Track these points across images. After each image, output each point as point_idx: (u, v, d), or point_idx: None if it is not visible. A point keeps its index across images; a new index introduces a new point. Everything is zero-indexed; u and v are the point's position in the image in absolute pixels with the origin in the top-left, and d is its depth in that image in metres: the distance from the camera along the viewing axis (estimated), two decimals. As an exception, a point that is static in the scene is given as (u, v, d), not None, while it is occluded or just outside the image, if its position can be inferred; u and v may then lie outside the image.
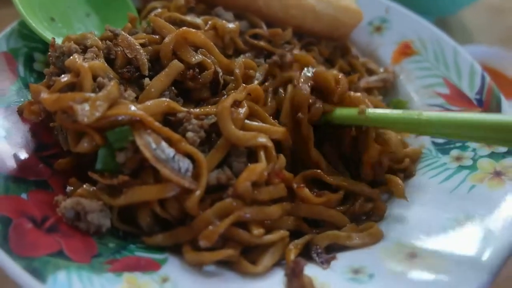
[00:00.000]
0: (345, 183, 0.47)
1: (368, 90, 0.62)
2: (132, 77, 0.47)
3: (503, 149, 0.50)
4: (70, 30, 0.58)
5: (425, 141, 0.55)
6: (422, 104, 0.60)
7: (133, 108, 0.40)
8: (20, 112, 0.48)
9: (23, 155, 0.44)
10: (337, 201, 0.47)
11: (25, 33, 0.55)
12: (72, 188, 0.43)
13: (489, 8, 1.01)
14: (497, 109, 0.54)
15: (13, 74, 0.51)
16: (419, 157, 0.53)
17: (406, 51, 0.67)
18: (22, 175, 0.42)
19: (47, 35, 0.54)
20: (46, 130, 0.47)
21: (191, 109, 0.44)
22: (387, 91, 0.65)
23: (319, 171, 0.47)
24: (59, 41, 0.53)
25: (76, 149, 0.40)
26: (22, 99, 0.49)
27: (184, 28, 0.49)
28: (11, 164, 0.42)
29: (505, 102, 0.55)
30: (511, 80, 0.80)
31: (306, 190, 0.45)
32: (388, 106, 0.63)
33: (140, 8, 0.66)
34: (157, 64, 0.49)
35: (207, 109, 0.45)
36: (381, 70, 0.66)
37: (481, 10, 0.98)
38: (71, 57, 0.42)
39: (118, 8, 0.62)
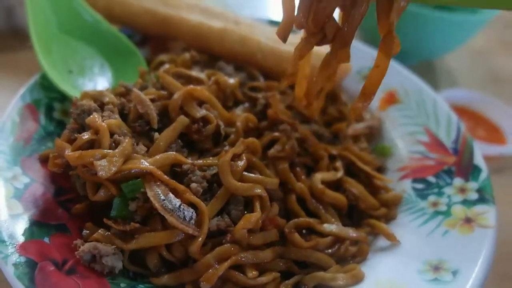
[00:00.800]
0: (334, 231, 0.52)
1: (356, 137, 0.68)
2: (143, 130, 0.53)
3: (474, 196, 0.55)
4: (86, 80, 0.64)
5: (406, 186, 0.61)
6: (406, 151, 0.66)
7: (144, 163, 0.45)
8: (41, 159, 0.54)
9: (45, 201, 0.49)
10: (325, 245, 0.52)
11: (46, 84, 0.61)
12: (88, 231, 0.48)
13: (471, 51, 1.08)
14: (470, 158, 0.60)
15: (35, 124, 0.57)
16: (400, 202, 0.59)
17: (391, 99, 0.73)
18: (44, 219, 0.47)
19: (66, 87, 0.61)
20: (64, 177, 0.52)
21: (195, 161, 0.50)
22: (373, 136, 0.71)
23: (310, 220, 0.53)
24: (77, 93, 0.59)
25: (94, 198, 0.46)
26: (43, 147, 0.55)
27: (191, 86, 0.55)
28: (35, 209, 0.48)
29: (478, 152, 0.60)
30: (491, 124, 0.86)
31: (296, 235, 0.51)
32: (374, 151, 0.69)
33: (149, 59, 0.73)
34: (165, 117, 0.55)
35: (209, 161, 0.50)
36: (368, 116, 0.73)
37: (464, 53, 1.05)
38: (91, 116, 0.48)
39: (129, 59, 0.68)
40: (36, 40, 0.62)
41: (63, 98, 0.62)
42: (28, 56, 0.64)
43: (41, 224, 0.47)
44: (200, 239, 0.45)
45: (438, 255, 0.50)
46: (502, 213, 0.54)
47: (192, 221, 0.46)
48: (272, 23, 0.81)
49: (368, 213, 0.58)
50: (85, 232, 0.48)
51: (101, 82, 0.65)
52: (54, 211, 0.49)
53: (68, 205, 0.51)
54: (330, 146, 0.63)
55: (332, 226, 0.52)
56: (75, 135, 0.48)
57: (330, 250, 0.52)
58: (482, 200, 0.55)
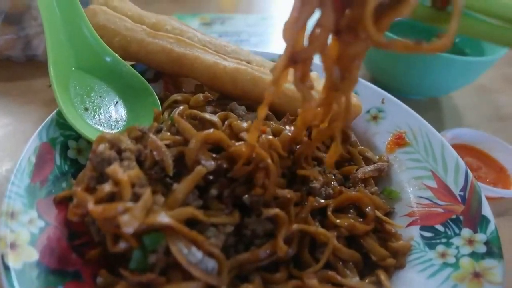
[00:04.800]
0: (353, 283, 0.53)
1: (365, 180, 0.69)
2: (158, 177, 0.53)
3: (482, 249, 0.56)
4: (101, 117, 0.65)
5: (414, 233, 0.62)
6: (413, 196, 0.67)
7: (165, 219, 0.46)
8: (56, 201, 0.54)
9: (60, 246, 0.50)
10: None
11: (61, 122, 0.62)
12: (102, 279, 0.48)
13: (478, 89, 1.10)
14: (478, 208, 0.61)
15: (51, 164, 0.58)
16: (408, 251, 0.60)
17: (399, 141, 0.75)
18: (59, 266, 0.48)
19: (82, 126, 0.61)
20: (78, 220, 0.53)
21: (211, 219, 0.51)
22: (381, 179, 0.72)
23: (334, 273, 0.54)
24: (92, 132, 0.60)
25: (113, 250, 0.47)
26: (58, 188, 0.56)
27: (205, 132, 0.56)
28: (50, 255, 0.48)
29: (485, 202, 0.61)
30: (497, 163, 0.87)
31: (315, 281, 0.52)
32: (382, 193, 0.70)
33: (161, 94, 0.74)
34: (180, 163, 0.56)
35: (225, 220, 0.51)
36: (376, 157, 0.74)
37: (470, 90, 1.07)
38: (112, 167, 0.48)
39: (144, 98, 0.69)
40: (54, 77, 0.63)
41: (78, 136, 0.62)
42: (43, 84, 0.65)
43: (55, 271, 0.47)
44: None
45: (448, 311, 0.50)
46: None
47: (214, 272, 0.47)
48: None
49: (377, 263, 0.58)
50: (99, 279, 0.49)
51: (115, 120, 0.66)
52: (68, 257, 0.50)
53: (82, 249, 0.51)
54: (343, 188, 0.64)
55: (354, 280, 0.53)
56: (95, 185, 0.49)
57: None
58: (490, 253, 0.55)
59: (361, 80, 0.81)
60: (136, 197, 0.48)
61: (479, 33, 0.45)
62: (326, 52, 0.46)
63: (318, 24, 0.43)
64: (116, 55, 0.68)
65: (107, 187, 0.47)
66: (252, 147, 0.55)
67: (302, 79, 0.49)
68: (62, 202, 0.55)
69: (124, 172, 0.49)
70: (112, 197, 0.48)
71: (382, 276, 0.57)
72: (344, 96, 0.50)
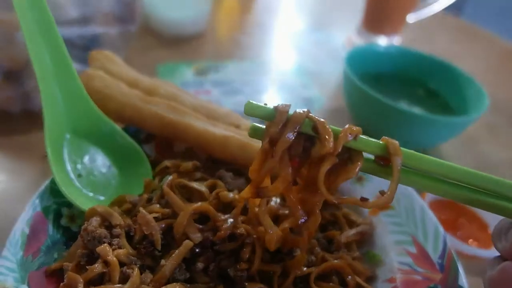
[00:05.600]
0: None
1: (348, 245, 0.71)
2: (147, 251, 0.56)
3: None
4: (94, 184, 0.68)
5: None
6: (394, 261, 0.69)
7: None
8: (47, 274, 0.56)
9: (50, 323, 0.52)
10: None
11: (55, 188, 0.64)
12: None
13: (463, 139, 1.13)
14: (455, 277, 0.63)
15: (44, 234, 0.60)
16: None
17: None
18: None
19: (75, 194, 0.64)
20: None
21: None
22: (366, 242, 0.74)
23: None
24: (84, 201, 0.63)
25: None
26: (50, 260, 0.58)
27: (194, 206, 0.59)
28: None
29: (461, 272, 0.64)
30: (480, 220, 0.90)
31: None
32: (364, 257, 0.72)
33: (153, 157, 0.77)
34: (168, 234, 0.59)
35: None
36: (360, 220, 0.76)
37: (456, 141, 1.11)
38: (103, 248, 0.51)
39: (135, 162, 0.72)
40: (49, 143, 0.65)
41: (71, 203, 0.65)
42: (40, 138, 0.66)
43: None
44: None
45: None
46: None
47: None
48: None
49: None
50: None
51: (108, 184, 0.69)
52: (59, 335, 0.51)
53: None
54: (327, 254, 0.67)
55: None
56: (86, 262, 0.51)
57: None
58: (465, 328, 0.58)
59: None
60: (124, 277, 0.50)
61: (421, 186, 0.53)
62: (289, 195, 0.53)
63: (280, 175, 0.51)
64: (112, 122, 0.71)
65: (97, 268, 0.50)
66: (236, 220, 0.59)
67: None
68: (53, 274, 0.56)
69: (113, 252, 0.51)
70: (102, 276, 0.50)
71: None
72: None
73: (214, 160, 0.75)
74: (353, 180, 0.82)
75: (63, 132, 0.69)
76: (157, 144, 0.79)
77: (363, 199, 0.51)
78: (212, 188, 0.66)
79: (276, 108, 0.51)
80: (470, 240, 0.86)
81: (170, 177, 0.65)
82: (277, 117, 0.50)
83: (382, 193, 0.50)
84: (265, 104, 0.52)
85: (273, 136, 0.50)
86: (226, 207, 0.65)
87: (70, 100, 0.69)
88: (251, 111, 0.51)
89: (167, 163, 0.71)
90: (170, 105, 0.74)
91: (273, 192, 0.53)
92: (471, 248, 0.83)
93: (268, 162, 0.51)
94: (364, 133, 0.77)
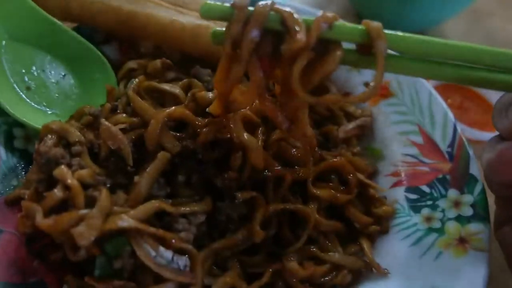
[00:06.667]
0: (337, 259, 0.51)
1: (347, 140, 0.64)
2: (117, 168, 0.48)
3: (469, 212, 0.54)
4: (48, 97, 0.57)
5: (398, 195, 0.59)
6: (398, 153, 0.63)
7: (126, 220, 0.42)
8: (8, 203, 0.49)
9: (19, 255, 0.46)
10: (321, 273, 0.51)
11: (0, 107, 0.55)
12: (69, 286, 0.45)
13: (469, 14, 1.00)
14: (466, 166, 0.58)
15: (-4, 159, 0.52)
16: (392, 216, 0.57)
17: (383, 92, 0.68)
18: (20, 280, 0.44)
19: (25, 111, 0.54)
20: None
21: (180, 209, 0.46)
22: (365, 135, 0.67)
23: (314, 249, 0.52)
24: (39, 117, 0.53)
25: (74, 259, 0.43)
26: (8, 188, 0.50)
27: (166, 111, 0.49)
28: (8, 269, 0.44)
29: (473, 160, 0.58)
30: (486, 102, 0.83)
31: (294, 264, 0.50)
32: (365, 150, 0.65)
33: (116, 59, 0.65)
34: (140, 147, 0.50)
35: (195, 208, 0.47)
36: (359, 111, 0.68)
37: (461, 16, 0.98)
38: (60, 169, 0.43)
39: (94, 66, 0.60)
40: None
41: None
42: None
43: (17, 285, 0.44)
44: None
45: (432, 282, 0.49)
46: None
47: (187, 268, 0.45)
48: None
49: (361, 231, 0.56)
50: (65, 287, 0.46)
51: (65, 97, 0.59)
52: (29, 265, 0.46)
53: (43, 253, 0.48)
54: (324, 152, 0.60)
55: (336, 255, 0.52)
56: (45, 189, 0.43)
57: (327, 278, 0.51)
58: (476, 217, 0.53)
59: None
60: (91, 201, 0.43)
61: (413, 71, 0.46)
62: (264, 103, 0.46)
63: (250, 81, 0.43)
64: (53, 19, 0.58)
65: (56, 194, 0.42)
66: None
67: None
68: (15, 203, 0.49)
69: (74, 174, 0.43)
70: (65, 203, 0.43)
71: (365, 244, 0.55)
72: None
73: (187, 57, 0.64)
74: (350, 67, 0.72)
75: (-4, 36, 0.56)
76: (120, 43, 0.66)
77: (345, 95, 0.43)
78: (187, 89, 0.56)
79: (233, 4, 0.42)
80: (477, 123, 0.80)
81: (136, 80, 0.54)
82: (236, 15, 0.41)
83: (366, 84, 0.43)
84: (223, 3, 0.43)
85: (235, 37, 0.42)
86: (206, 110, 0.56)
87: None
88: (209, 13, 0.43)
89: (131, 64, 0.60)
90: (126, -7, 0.60)
91: (245, 104, 0.46)
92: (477, 132, 0.77)
93: (234, 68, 0.43)
94: (360, 18, 0.66)
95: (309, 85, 0.43)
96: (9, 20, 0.56)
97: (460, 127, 0.61)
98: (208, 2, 0.43)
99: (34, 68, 0.58)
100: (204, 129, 0.49)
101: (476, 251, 0.50)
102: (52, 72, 0.59)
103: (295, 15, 0.41)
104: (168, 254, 0.43)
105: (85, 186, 0.43)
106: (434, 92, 0.65)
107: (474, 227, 0.52)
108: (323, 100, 0.43)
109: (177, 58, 0.65)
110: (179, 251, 0.45)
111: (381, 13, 0.91)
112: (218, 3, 0.43)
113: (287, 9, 0.42)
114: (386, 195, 0.60)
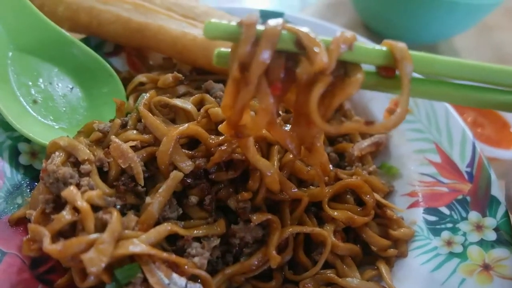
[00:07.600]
0: (354, 285, 0.49)
1: (362, 158, 0.62)
2: (127, 188, 0.46)
3: (492, 236, 0.52)
4: (55, 111, 0.55)
5: (416, 217, 0.57)
6: (415, 172, 0.61)
7: (138, 247, 0.39)
8: (13, 223, 0.47)
9: (23, 278, 0.43)
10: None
11: (5, 121, 0.52)
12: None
13: (478, 28, 0.99)
14: (487, 187, 0.56)
15: (0, 177, 0.49)
16: (411, 238, 0.55)
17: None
18: (23, 305, 0.42)
19: (30, 124, 0.52)
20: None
21: (192, 232, 0.44)
22: (380, 152, 0.65)
23: (331, 274, 0.50)
24: (45, 133, 0.51)
25: (83, 286, 0.40)
26: (12, 207, 0.48)
27: (179, 129, 0.47)
28: (12, 292, 0.42)
29: (495, 181, 0.56)
30: (501, 118, 0.81)
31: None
32: (380, 169, 0.63)
33: (124, 72, 0.63)
34: (151, 165, 0.48)
35: (210, 231, 0.45)
36: (374, 128, 0.66)
37: (470, 30, 0.97)
38: (69, 191, 0.40)
39: (102, 79, 0.58)
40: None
41: (30, 136, 0.53)
42: None
43: (20, 312, 0.41)
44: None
45: (456, 311, 0.47)
46: None
47: None
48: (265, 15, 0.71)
49: (378, 254, 0.54)
50: (71, 312, 0.43)
51: (72, 110, 0.56)
52: (34, 290, 0.43)
53: (48, 277, 0.45)
54: (339, 171, 0.58)
55: (355, 281, 0.49)
56: (52, 210, 0.41)
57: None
58: (500, 241, 0.51)
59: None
60: (102, 224, 0.41)
61: (438, 96, 0.44)
62: (275, 131, 0.42)
63: (259, 108, 0.39)
64: (61, 29, 0.56)
65: (65, 217, 0.40)
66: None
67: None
68: (20, 223, 0.47)
69: (83, 195, 0.41)
70: (73, 226, 0.41)
71: (384, 269, 0.52)
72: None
73: (199, 70, 0.62)
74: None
75: (3, 49, 0.54)
76: (129, 55, 0.65)
77: (368, 123, 0.39)
78: (199, 104, 0.54)
79: (241, 22, 0.37)
80: (491, 140, 0.78)
81: (147, 95, 0.52)
82: (244, 34, 0.37)
83: (390, 111, 0.40)
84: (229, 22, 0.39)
85: (243, 60, 0.37)
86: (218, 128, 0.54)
87: (5, 7, 0.53)
88: (213, 32, 0.39)
89: (141, 78, 0.58)
90: (135, 4, 0.58)
91: (254, 130, 0.42)
92: (492, 149, 0.75)
93: (242, 93, 0.39)
94: (368, 29, 0.63)
95: (327, 112, 0.39)
96: (16, 31, 0.54)
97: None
98: (213, 20, 0.38)
99: (41, 80, 0.56)
100: (220, 148, 0.47)
101: (502, 278, 0.48)
102: (60, 84, 0.57)
103: (312, 35, 0.37)
104: (182, 281, 0.41)
105: (96, 208, 0.41)
106: (450, 108, 0.63)
107: (499, 252, 0.50)
108: (344, 129, 0.39)
109: (188, 71, 0.63)
110: (192, 277, 0.42)
111: (389, 26, 0.89)
112: (224, 22, 0.39)
113: (303, 28, 0.37)
114: (403, 216, 0.58)
